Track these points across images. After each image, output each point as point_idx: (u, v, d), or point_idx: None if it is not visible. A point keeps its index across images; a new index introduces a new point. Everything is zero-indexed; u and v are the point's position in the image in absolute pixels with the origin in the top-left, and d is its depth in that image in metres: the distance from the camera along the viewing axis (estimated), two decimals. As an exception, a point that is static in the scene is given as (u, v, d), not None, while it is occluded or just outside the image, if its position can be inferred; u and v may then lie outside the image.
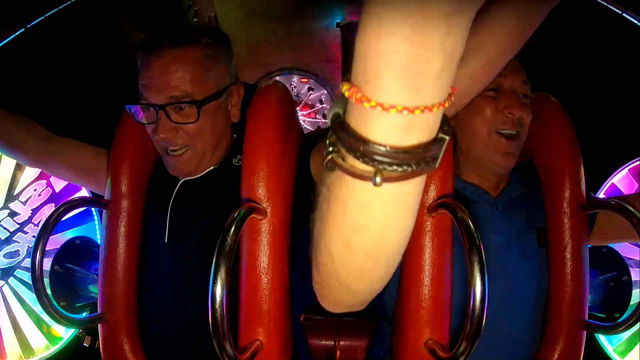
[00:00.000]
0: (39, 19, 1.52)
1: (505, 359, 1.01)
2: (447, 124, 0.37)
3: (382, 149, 0.34)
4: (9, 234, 1.70)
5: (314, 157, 0.99)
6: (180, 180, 1.07)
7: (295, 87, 3.47)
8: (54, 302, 0.94)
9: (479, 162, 1.07)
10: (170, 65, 0.95)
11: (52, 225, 0.91)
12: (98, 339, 1.03)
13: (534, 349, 1.04)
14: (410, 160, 0.35)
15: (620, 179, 1.92)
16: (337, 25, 3.03)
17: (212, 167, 1.07)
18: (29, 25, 1.51)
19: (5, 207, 1.70)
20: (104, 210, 1.06)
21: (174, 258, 1.02)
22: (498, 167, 1.05)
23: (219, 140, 1.05)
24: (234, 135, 1.13)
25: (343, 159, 0.38)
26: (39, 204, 1.73)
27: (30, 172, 1.73)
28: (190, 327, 0.99)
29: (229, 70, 1.05)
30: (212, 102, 0.99)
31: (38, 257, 0.89)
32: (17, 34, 1.49)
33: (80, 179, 1.20)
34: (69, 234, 1.67)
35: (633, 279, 1.46)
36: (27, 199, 1.72)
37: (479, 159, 1.07)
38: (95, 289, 1.46)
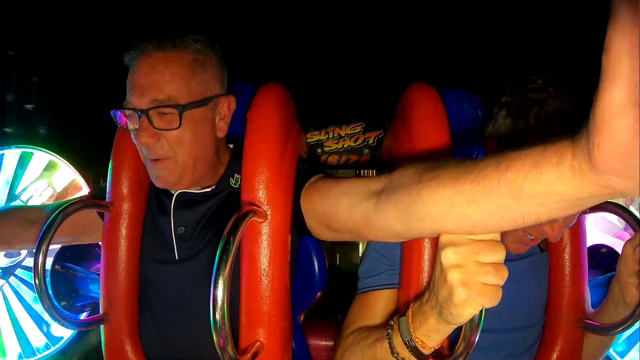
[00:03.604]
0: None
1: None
2: None
3: None
4: (9, 233, 1.70)
5: (309, 194, 0.94)
6: (174, 195, 1.05)
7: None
8: (57, 305, 0.94)
9: None
10: (156, 67, 0.92)
11: (55, 229, 0.92)
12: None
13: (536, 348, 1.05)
14: None
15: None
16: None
17: (208, 187, 1.05)
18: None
19: (6, 206, 1.70)
20: (105, 213, 1.06)
21: (181, 273, 1.02)
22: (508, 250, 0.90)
23: (201, 154, 0.98)
24: (230, 145, 1.10)
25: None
26: (40, 203, 1.73)
27: (31, 172, 1.73)
28: (191, 329, 1.00)
29: (219, 80, 1.01)
30: (195, 110, 0.94)
31: (40, 259, 0.90)
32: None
33: (79, 240, 1.20)
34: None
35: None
36: (28, 199, 1.73)
37: None
38: (95, 289, 1.46)
